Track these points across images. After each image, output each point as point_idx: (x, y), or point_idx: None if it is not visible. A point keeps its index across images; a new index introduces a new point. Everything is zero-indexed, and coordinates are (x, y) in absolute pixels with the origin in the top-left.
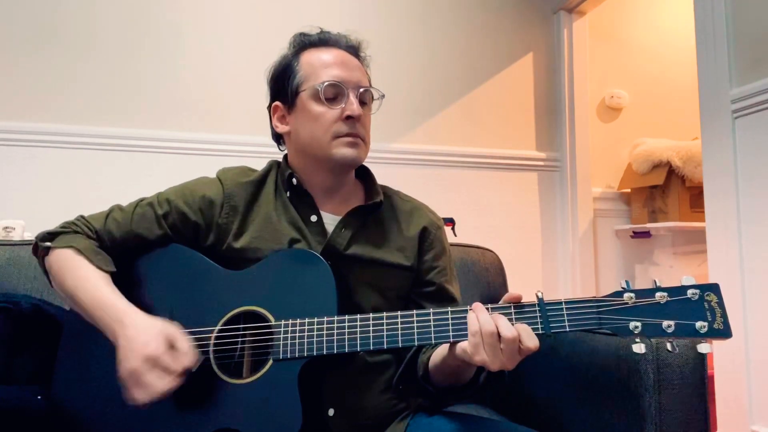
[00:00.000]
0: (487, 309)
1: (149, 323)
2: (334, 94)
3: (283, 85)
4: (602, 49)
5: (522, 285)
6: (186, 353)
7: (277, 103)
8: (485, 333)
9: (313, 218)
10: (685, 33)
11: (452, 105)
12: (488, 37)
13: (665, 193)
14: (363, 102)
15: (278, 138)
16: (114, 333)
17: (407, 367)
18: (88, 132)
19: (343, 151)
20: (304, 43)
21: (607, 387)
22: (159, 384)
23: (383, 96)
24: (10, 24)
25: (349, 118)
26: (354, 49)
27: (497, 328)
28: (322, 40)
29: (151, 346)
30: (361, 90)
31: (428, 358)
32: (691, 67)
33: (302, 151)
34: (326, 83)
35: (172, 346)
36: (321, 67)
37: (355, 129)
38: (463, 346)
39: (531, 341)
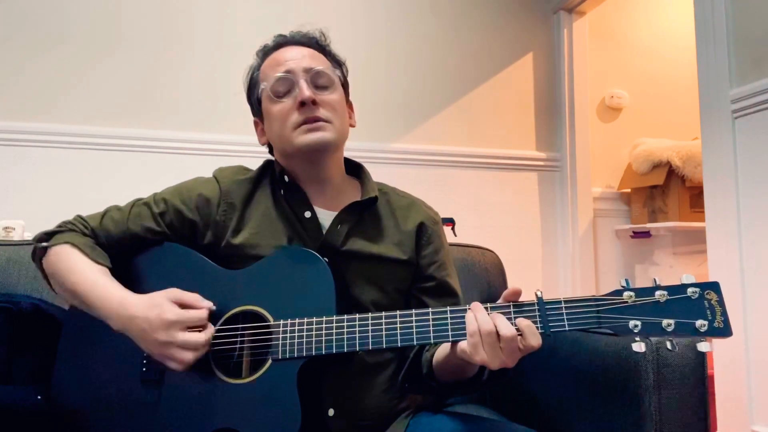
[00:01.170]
0: (486, 308)
1: (149, 297)
2: (285, 87)
3: (251, 101)
4: (602, 49)
5: (522, 285)
6: (198, 301)
7: (255, 119)
8: (483, 332)
9: (307, 214)
10: (685, 33)
11: (452, 105)
12: (488, 37)
13: (665, 193)
14: (322, 86)
15: (269, 147)
16: (120, 321)
17: (411, 365)
18: (88, 132)
19: (304, 139)
20: (263, 53)
21: (607, 387)
22: (197, 338)
23: (344, 63)
24: (10, 26)
25: (302, 104)
26: (308, 39)
27: (496, 328)
28: (278, 44)
29: (167, 313)
30: (313, 73)
31: (432, 356)
32: (691, 67)
33: (280, 153)
34: (273, 81)
35: (181, 305)
36: (270, 69)
37: (312, 113)
38: (462, 346)
39: (534, 339)
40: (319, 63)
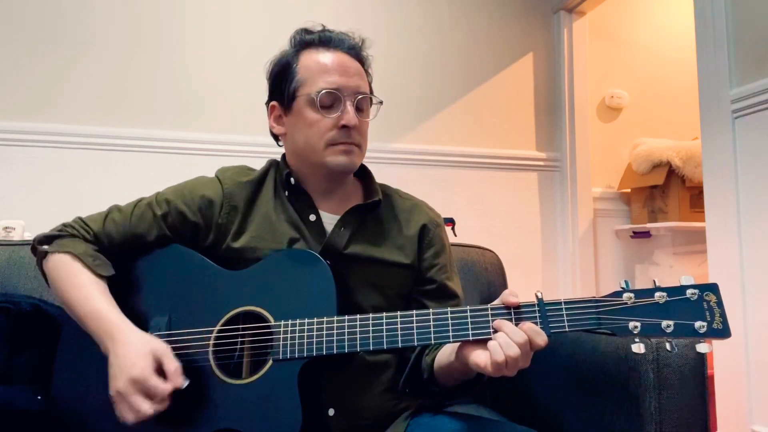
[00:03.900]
0: (488, 310)
1: (139, 341)
2: (331, 101)
3: (280, 86)
4: (602, 49)
5: (522, 285)
6: (173, 376)
7: (274, 102)
8: (510, 359)
9: (312, 217)
10: (685, 33)
11: (452, 105)
12: (488, 37)
13: (665, 193)
14: (360, 108)
15: (275, 136)
16: (105, 347)
17: (412, 370)
18: (88, 132)
19: (337, 159)
20: (304, 41)
21: (607, 387)
22: (144, 407)
23: (381, 102)
24: (9, 24)
25: (344, 127)
26: (355, 51)
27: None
28: (323, 41)
29: (137, 368)
30: (359, 97)
31: (432, 360)
32: (691, 67)
33: (298, 154)
34: (323, 91)
35: (160, 368)
36: (319, 72)
37: (350, 137)
38: (478, 362)
39: (540, 338)
40: (364, 85)
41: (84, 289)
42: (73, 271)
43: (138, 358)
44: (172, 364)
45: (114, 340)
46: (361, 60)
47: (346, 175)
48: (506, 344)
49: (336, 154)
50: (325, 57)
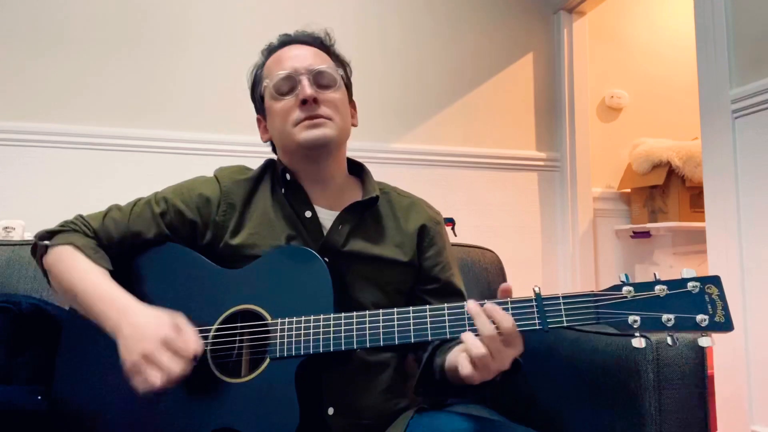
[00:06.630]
0: (483, 303)
1: (154, 311)
2: (288, 86)
3: (254, 98)
4: (602, 49)
5: (522, 285)
6: (194, 338)
7: (258, 116)
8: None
9: (308, 214)
10: (685, 33)
11: (452, 105)
12: (488, 37)
13: (665, 193)
14: (324, 85)
15: (272, 146)
16: (117, 324)
17: (423, 373)
18: (88, 132)
19: (305, 134)
20: (268, 51)
21: (607, 387)
22: (174, 366)
23: (348, 64)
24: (10, 26)
25: (303, 102)
26: (312, 38)
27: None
28: (282, 43)
29: (164, 328)
30: (315, 72)
31: (443, 362)
32: (691, 67)
33: (280, 148)
34: (276, 79)
35: (179, 332)
36: (274, 67)
37: (313, 111)
38: (463, 373)
39: (506, 321)
40: (323, 62)
41: (89, 275)
42: (76, 261)
43: (161, 320)
44: (190, 331)
45: (128, 314)
46: (321, 44)
47: (323, 152)
48: (474, 344)
49: (303, 130)
50: (282, 53)
